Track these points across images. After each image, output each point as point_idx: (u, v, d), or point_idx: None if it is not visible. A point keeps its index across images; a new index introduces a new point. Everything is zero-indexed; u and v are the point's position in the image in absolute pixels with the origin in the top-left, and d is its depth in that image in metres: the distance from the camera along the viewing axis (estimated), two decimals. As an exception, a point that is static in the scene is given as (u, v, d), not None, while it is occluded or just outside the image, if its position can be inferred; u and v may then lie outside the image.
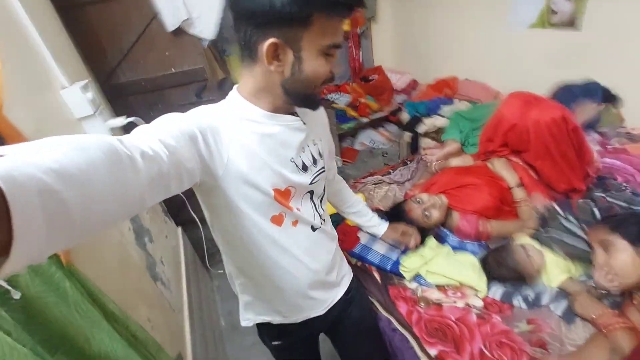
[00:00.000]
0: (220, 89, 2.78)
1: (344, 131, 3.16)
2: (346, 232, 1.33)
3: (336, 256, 0.88)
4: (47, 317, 0.54)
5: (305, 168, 0.72)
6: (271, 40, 0.54)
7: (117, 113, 1.59)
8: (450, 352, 0.93)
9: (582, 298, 0.97)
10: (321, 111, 0.78)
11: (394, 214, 1.32)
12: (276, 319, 0.84)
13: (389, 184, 1.80)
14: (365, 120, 3.16)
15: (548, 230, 1.19)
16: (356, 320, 0.97)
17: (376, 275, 1.25)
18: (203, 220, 2.25)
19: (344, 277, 0.93)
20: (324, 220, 0.82)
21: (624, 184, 1.41)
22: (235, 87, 0.67)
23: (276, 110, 0.66)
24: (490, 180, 1.35)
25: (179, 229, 1.94)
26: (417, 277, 1.19)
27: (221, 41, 2.69)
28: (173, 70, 2.23)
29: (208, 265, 1.94)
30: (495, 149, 1.40)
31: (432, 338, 0.98)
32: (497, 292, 1.10)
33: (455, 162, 1.57)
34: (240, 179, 0.63)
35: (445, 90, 2.90)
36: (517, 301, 1.06)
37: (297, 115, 0.70)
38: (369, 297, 1.15)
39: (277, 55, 0.56)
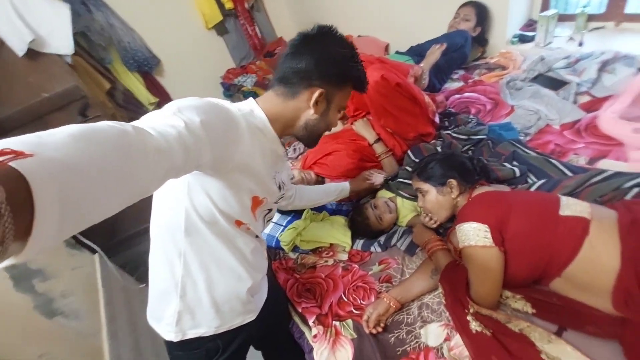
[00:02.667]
0: (115, 99, 2.66)
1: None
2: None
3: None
4: None
5: (280, 187, 0.85)
6: (321, 90, 0.74)
7: None
8: (311, 307, 1.07)
9: (416, 229, 1.12)
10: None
11: None
12: (210, 329, 0.80)
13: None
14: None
15: (396, 178, 1.33)
16: (281, 323, 1.07)
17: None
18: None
19: (266, 281, 0.96)
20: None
21: (472, 116, 1.58)
22: (252, 99, 0.77)
23: (279, 135, 0.79)
24: (352, 142, 1.46)
25: (96, 256, 1.94)
26: (295, 248, 1.30)
27: (96, 51, 2.54)
28: (45, 95, 2.09)
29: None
30: (352, 113, 1.50)
31: (300, 298, 1.11)
32: (359, 243, 1.25)
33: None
34: (236, 178, 0.69)
35: (342, 52, 2.94)
36: (374, 247, 1.21)
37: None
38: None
39: (316, 102, 0.75)
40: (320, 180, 1.45)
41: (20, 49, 1.84)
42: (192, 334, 0.79)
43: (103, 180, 0.34)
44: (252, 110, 0.75)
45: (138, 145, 0.39)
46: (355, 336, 0.96)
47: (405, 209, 1.24)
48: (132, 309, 1.78)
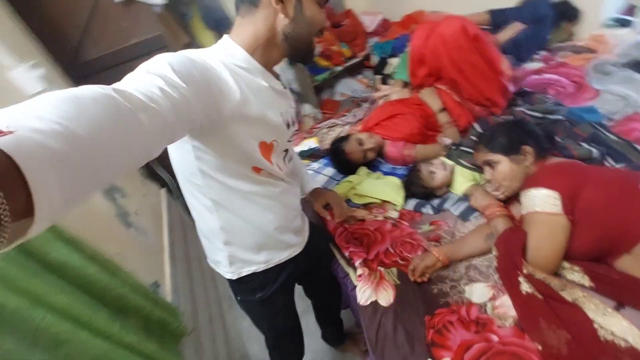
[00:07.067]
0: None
1: (319, 82, 2.98)
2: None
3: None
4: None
5: (288, 125, 0.77)
6: None
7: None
8: (359, 251, 1.11)
9: (478, 193, 1.10)
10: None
11: (335, 152, 1.45)
12: (261, 266, 0.86)
13: (343, 125, 1.91)
14: (339, 68, 2.95)
15: (460, 147, 1.31)
16: (323, 261, 1.13)
17: (315, 204, 1.43)
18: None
19: (307, 221, 1.01)
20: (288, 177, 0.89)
21: (549, 96, 1.49)
22: (226, 36, 0.68)
23: (267, 65, 0.70)
24: (417, 107, 1.45)
25: (163, 190, 2.16)
26: (347, 202, 1.35)
27: (179, 5, 2.72)
28: (134, 41, 2.30)
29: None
30: (421, 81, 1.48)
31: (348, 244, 1.16)
32: (411, 204, 1.26)
33: (395, 96, 1.66)
34: (235, 129, 0.64)
35: (411, 27, 2.84)
36: (426, 209, 1.22)
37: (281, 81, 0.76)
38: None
39: (280, 0, 0.64)
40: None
41: (118, -6, 2.03)
42: (246, 271, 0.86)
43: (96, 142, 0.33)
44: (227, 48, 0.66)
45: (123, 104, 0.38)
46: (399, 282, 1.00)
47: (463, 177, 1.23)
48: (188, 240, 1.98)
